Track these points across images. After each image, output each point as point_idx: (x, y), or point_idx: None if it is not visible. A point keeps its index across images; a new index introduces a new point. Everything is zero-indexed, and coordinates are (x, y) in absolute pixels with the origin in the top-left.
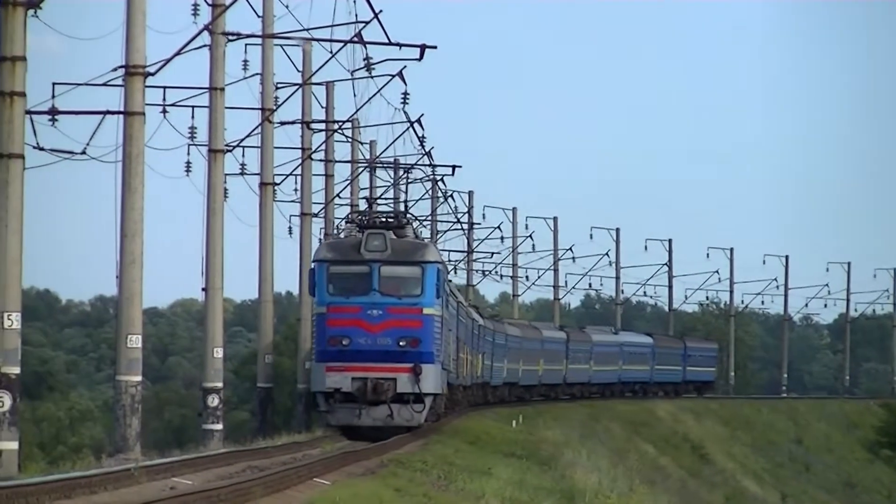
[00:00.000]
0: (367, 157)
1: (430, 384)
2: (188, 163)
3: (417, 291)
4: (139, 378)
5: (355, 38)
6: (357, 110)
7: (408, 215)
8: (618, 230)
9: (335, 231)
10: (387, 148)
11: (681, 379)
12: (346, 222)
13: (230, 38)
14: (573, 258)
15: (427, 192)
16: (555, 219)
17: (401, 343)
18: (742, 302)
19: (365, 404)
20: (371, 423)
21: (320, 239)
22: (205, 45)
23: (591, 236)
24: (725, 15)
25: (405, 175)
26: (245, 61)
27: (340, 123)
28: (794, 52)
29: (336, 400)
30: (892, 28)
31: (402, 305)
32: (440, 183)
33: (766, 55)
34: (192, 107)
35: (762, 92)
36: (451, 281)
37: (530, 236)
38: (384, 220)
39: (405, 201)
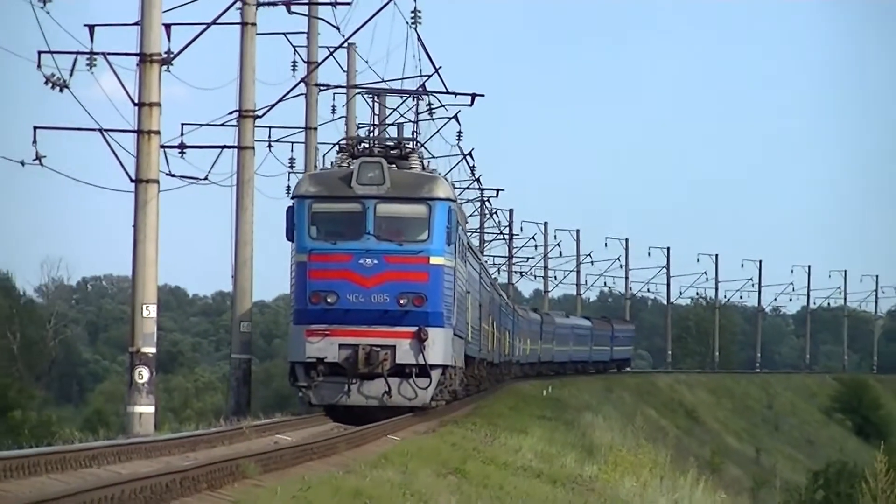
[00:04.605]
0: None
1: (438, 353)
2: (288, 187)
3: (423, 236)
4: (249, 356)
5: (420, 89)
6: (421, 146)
7: (414, 142)
8: (627, 240)
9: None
10: (445, 174)
11: (609, 358)
12: (337, 151)
13: (321, 88)
14: (592, 262)
15: (476, 209)
16: (577, 231)
17: (401, 301)
18: (725, 297)
19: (355, 378)
20: (364, 403)
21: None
22: (301, 94)
23: (605, 245)
24: (737, 19)
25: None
26: (333, 107)
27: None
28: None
29: (319, 373)
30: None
31: (403, 253)
32: (487, 203)
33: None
34: (292, 142)
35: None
36: (470, 237)
37: (558, 245)
38: (382, 147)
39: (415, 130)
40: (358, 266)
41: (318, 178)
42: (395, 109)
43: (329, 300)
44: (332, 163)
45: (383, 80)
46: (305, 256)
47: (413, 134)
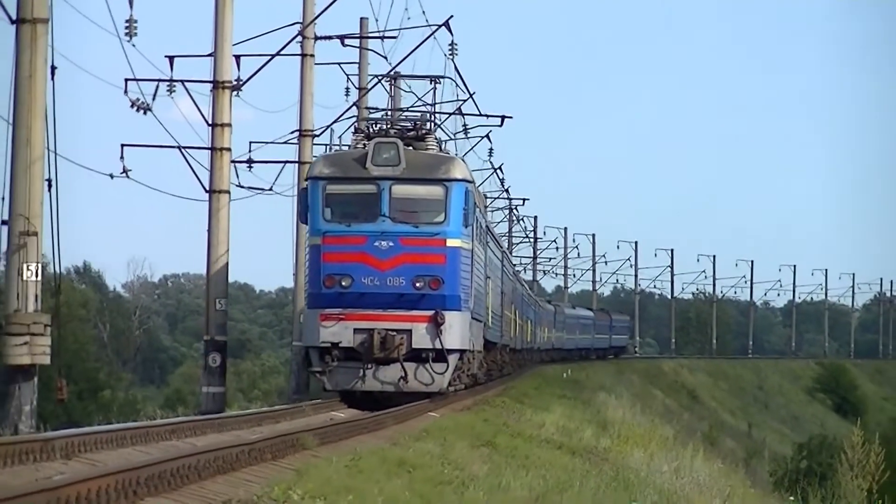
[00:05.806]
0: None
1: (455, 337)
2: None
3: (440, 217)
4: None
5: (457, 112)
6: (438, 126)
7: (431, 123)
8: (636, 243)
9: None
10: (479, 185)
11: (608, 345)
12: (353, 133)
13: (370, 111)
14: (606, 262)
15: (505, 216)
16: (593, 235)
17: (417, 284)
18: (721, 292)
19: (370, 363)
20: (379, 388)
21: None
22: (353, 116)
23: (618, 247)
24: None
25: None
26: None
27: None
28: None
29: (334, 358)
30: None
31: (419, 235)
32: (514, 210)
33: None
34: None
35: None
36: (490, 222)
37: (576, 247)
38: (399, 128)
39: (433, 112)
40: (373, 248)
41: (333, 159)
42: (438, 111)
43: (343, 283)
44: (347, 144)
45: (424, 103)
46: (319, 239)
47: (430, 115)
